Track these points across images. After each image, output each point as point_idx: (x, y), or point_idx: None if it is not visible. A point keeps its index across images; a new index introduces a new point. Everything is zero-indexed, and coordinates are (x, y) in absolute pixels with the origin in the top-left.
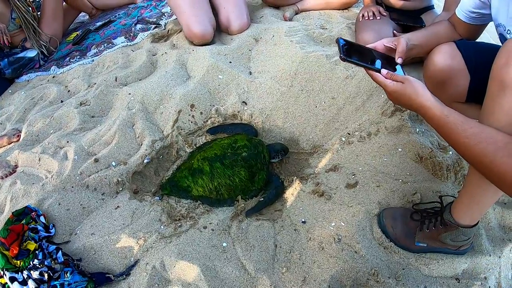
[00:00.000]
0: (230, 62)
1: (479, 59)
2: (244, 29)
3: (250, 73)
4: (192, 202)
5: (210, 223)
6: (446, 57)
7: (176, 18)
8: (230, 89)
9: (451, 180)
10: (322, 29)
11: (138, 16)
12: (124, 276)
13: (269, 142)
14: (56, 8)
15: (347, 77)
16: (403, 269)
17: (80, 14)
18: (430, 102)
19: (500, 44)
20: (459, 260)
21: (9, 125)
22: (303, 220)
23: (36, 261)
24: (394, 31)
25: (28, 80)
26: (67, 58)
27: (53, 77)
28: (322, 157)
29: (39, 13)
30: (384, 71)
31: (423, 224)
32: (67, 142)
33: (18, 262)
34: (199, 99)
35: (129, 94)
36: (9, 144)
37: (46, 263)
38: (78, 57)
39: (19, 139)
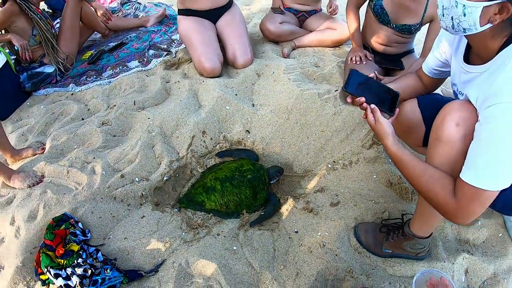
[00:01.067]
0: (236, 94)
1: (434, 112)
2: (248, 64)
3: (253, 105)
4: (206, 214)
5: (222, 231)
6: (408, 113)
7: (186, 47)
8: (236, 119)
9: (415, 201)
10: (316, 67)
11: (149, 41)
12: (153, 272)
13: (268, 166)
14: (73, 27)
15: (335, 113)
16: (373, 269)
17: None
18: (391, 142)
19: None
20: (418, 264)
21: (31, 137)
22: (296, 230)
23: (80, 260)
24: (376, 73)
25: (46, 94)
26: (84, 77)
27: (72, 94)
28: (311, 180)
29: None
30: (372, 106)
31: (388, 235)
32: (94, 158)
33: (62, 261)
34: (209, 127)
35: (148, 118)
36: (33, 155)
37: (88, 261)
38: (94, 76)
39: (43, 152)
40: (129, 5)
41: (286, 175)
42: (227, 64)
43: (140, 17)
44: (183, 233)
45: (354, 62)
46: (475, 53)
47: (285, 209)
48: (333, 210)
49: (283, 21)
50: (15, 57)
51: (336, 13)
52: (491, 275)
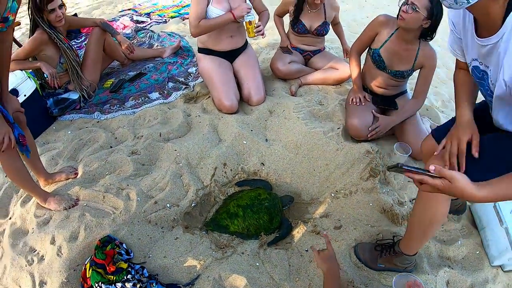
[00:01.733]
0: (252, 130)
1: None
2: (262, 102)
3: (266, 140)
4: (230, 236)
5: (245, 250)
6: (426, 147)
7: (202, 81)
8: (252, 152)
9: (404, 225)
10: (320, 105)
11: (167, 72)
12: (190, 285)
13: (281, 194)
14: (97, 57)
15: (337, 149)
16: (370, 280)
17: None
18: (473, 192)
19: None
20: None
21: (61, 161)
22: (306, 249)
23: (129, 276)
24: (373, 111)
25: (71, 120)
26: (108, 105)
27: (98, 122)
28: (317, 207)
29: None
30: (432, 167)
31: (382, 253)
32: (127, 185)
33: (112, 277)
34: (229, 159)
35: (175, 150)
36: (66, 179)
37: (136, 277)
38: (117, 105)
39: (76, 176)
40: (143, 33)
41: (296, 202)
42: (242, 101)
43: (155, 46)
44: (213, 252)
45: (354, 103)
46: (482, 25)
47: (296, 231)
48: (337, 233)
49: (291, 60)
50: (40, 82)
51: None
52: (469, 286)
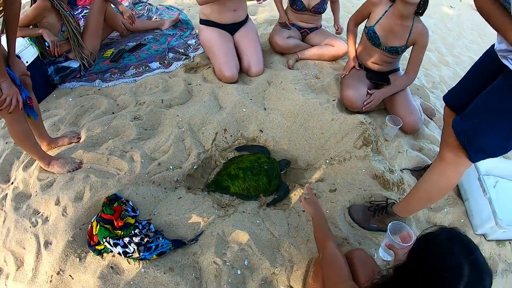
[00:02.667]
0: (251, 99)
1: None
2: (260, 73)
3: (265, 108)
4: (230, 197)
5: (246, 210)
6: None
7: (203, 52)
8: (251, 120)
9: (395, 190)
10: (317, 78)
11: (166, 44)
12: (194, 241)
13: (278, 159)
14: (98, 26)
15: (332, 119)
16: (363, 239)
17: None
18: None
19: None
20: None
21: (63, 127)
22: (303, 210)
23: (136, 231)
24: (368, 90)
25: (71, 88)
26: (108, 74)
27: (99, 89)
28: (313, 172)
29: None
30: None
31: (375, 213)
32: (131, 148)
33: (120, 232)
34: (229, 125)
35: (177, 116)
36: (69, 144)
37: (143, 232)
38: (118, 74)
39: (79, 141)
40: (141, 5)
41: (292, 168)
42: (241, 71)
43: (154, 19)
44: (216, 210)
45: (347, 73)
46: None
47: (293, 194)
48: (332, 195)
49: (289, 35)
50: (40, 51)
51: (340, 34)
52: None
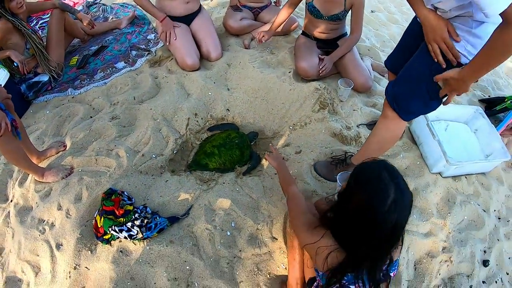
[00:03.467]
0: (214, 82)
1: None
2: (220, 57)
3: (228, 89)
4: (210, 172)
5: (225, 181)
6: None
7: (163, 45)
8: (217, 101)
9: (353, 144)
10: (272, 54)
11: (127, 42)
12: (186, 215)
13: (247, 132)
14: (60, 37)
15: (290, 89)
16: (329, 189)
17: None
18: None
19: None
20: None
21: (47, 139)
22: (275, 173)
23: (136, 215)
24: (319, 56)
25: (46, 101)
26: (78, 81)
27: (72, 97)
28: (279, 139)
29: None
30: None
31: (337, 166)
32: (115, 145)
33: (122, 219)
34: (199, 109)
35: (151, 109)
36: (57, 153)
37: (142, 215)
38: (87, 79)
39: (65, 149)
40: (95, 7)
41: (261, 138)
42: (201, 58)
43: (110, 19)
44: (199, 186)
45: (258, 37)
46: None
47: (264, 160)
48: (298, 156)
49: (242, 17)
50: (10, 71)
51: (279, 5)
52: (413, 189)
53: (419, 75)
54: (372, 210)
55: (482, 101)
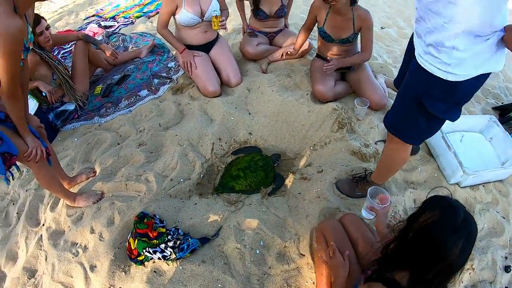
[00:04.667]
0: (236, 107)
1: None
2: (239, 83)
3: (250, 113)
4: (237, 194)
5: (252, 202)
6: None
7: (184, 73)
8: (240, 126)
9: (372, 161)
10: (289, 77)
11: (149, 71)
12: (216, 235)
13: (270, 154)
14: (84, 67)
15: (309, 111)
16: (352, 205)
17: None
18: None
19: None
20: None
21: (77, 165)
22: (299, 192)
23: (169, 237)
24: (335, 81)
25: (73, 129)
26: (103, 109)
27: (99, 125)
28: (301, 159)
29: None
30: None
31: (358, 183)
32: (144, 171)
33: (156, 241)
34: (222, 134)
35: (176, 135)
36: (87, 179)
37: (174, 236)
38: (112, 107)
39: (95, 175)
40: (115, 37)
41: (283, 159)
42: (222, 85)
43: (130, 48)
44: (228, 207)
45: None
46: None
47: (288, 181)
48: (320, 175)
49: (258, 42)
50: (39, 101)
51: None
52: None
53: (407, 100)
54: (441, 226)
55: (495, 108)
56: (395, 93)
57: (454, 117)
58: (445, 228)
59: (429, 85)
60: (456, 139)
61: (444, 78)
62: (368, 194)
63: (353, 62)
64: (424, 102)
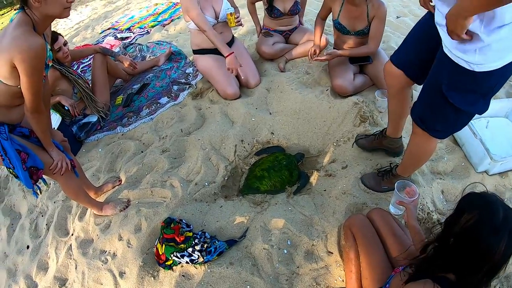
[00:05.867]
0: (256, 108)
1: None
2: (258, 83)
3: (270, 113)
4: (262, 194)
5: (278, 201)
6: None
7: (202, 78)
8: (261, 126)
9: (396, 156)
10: (307, 74)
11: (168, 78)
12: (243, 237)
13: (293, 153)
14: (104, 79)
15: (330, 107)
16: (379, 200)
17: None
18: None
19: None
20: None
21: (102, 175)
22: (324, 189)
23: (196, 240)
24: (354, 74)
25: (97, 140)
26: (125, 119)
27: (122, 134)
28: (325, 156)
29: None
30: None
31: (384, 177)
32: (168, 177)
33: (183, 245)
34: (244, 136)
35: (199, 139)
36: (113, 188)
37: (201, 240)
38: (134, 117)
39: (120, 183)
40: (132, 47)
41: (307, 157)
42: (241, 86)
43: (147, 58)
44: (253, 208)
45: (312, 53)
46: None
47: (313, 178)
48: (344, 171)
49: (274, 42)
50: (62, 115)
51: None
52: (460, 191)
53: (434, 91)
54: (482, 227)
55: None
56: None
57: (481, 109)
58: (486, 230)
59: (454, 75)
60: (482, 125)
61: (470, 69)
62: (395, 189)
63: (357, 53)
64: (446, 94)
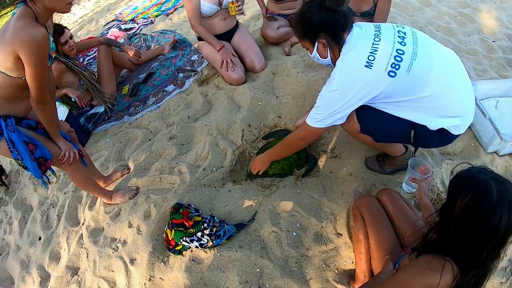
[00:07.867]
0: (263, 92)
1: None
2: (264, 68)
3: (277, 97)
4: (270, 178)
5: (286, 185)
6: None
7: (207, 64)
8: (268, 110)
9: None
10: None
11: (173, 66)
12: (252, 221)
13: None
14: (110, 70)
15: None
16: (388, 181)
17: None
18: None
19: None
20: None
21: (111, 164)
22: (330, 171)
23: (205, 225)
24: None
25: (105, 130)
26: (132, 108)
27: (129, 124)
28: (331, 138)
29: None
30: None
31: (384, 161)
32: (176, 163)
33: (192, 230)
34: (251, 120)
35: (206, 125)
36: (122, 176)
37: (210, 224)
38: (141, 106)
39: (129, 171)
40: (136, 38)
41: None
42: (247, 71)
43: (152, 47)
44: (262, 192)
45: None
46: None
47: (320, 161)
48: (349, 153)
49: (278, 25)
50: (69, 107)
51: None
52: None
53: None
54: (479, 209)
55: None
56: None
57: None
58: (484, 212)
59: None
60: (491, 105)
61: None
62: (409, 165)
63: None
64: None
